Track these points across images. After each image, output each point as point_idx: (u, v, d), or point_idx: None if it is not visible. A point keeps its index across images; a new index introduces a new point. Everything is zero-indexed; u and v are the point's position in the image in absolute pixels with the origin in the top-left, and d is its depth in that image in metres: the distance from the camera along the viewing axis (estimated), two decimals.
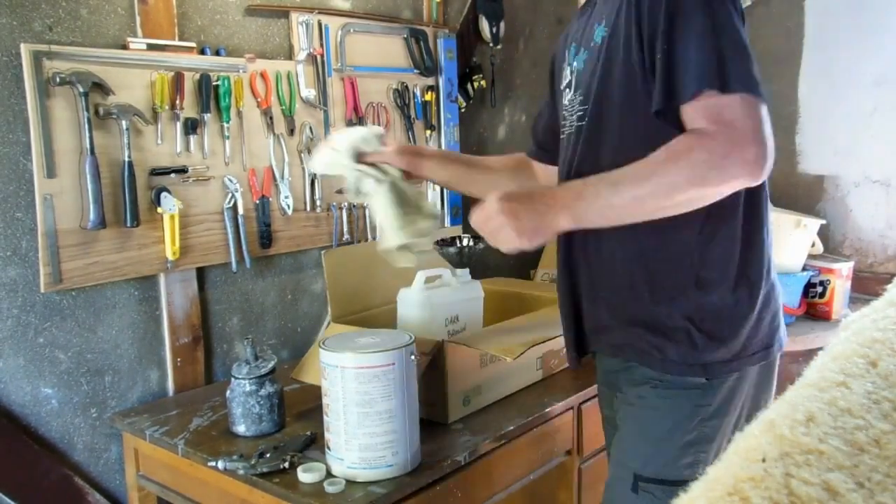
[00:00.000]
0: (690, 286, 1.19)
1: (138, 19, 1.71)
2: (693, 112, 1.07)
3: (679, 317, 1.19)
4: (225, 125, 1.83)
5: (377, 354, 1.28)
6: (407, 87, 2.27)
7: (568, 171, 1.29)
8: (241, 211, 1.86)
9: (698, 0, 1.10)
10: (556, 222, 1.12)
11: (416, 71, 2.29)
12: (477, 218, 1.16)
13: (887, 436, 0.48)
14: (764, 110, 1.06)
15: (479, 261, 2.10)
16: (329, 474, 1.33)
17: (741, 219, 1.20)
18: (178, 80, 1.73)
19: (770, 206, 1.27)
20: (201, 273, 1.88)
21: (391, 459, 1.31)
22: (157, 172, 1.72)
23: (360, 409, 1.27)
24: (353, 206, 2.14)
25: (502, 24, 2.54)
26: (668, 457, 1.20)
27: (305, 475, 1.33)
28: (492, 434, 1.52)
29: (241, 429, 1.53)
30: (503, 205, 1.11)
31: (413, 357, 1.33)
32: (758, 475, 0.44)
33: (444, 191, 2.38)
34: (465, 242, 2.00)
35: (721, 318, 1.19)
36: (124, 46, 1.68)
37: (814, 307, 2.22)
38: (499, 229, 1.12)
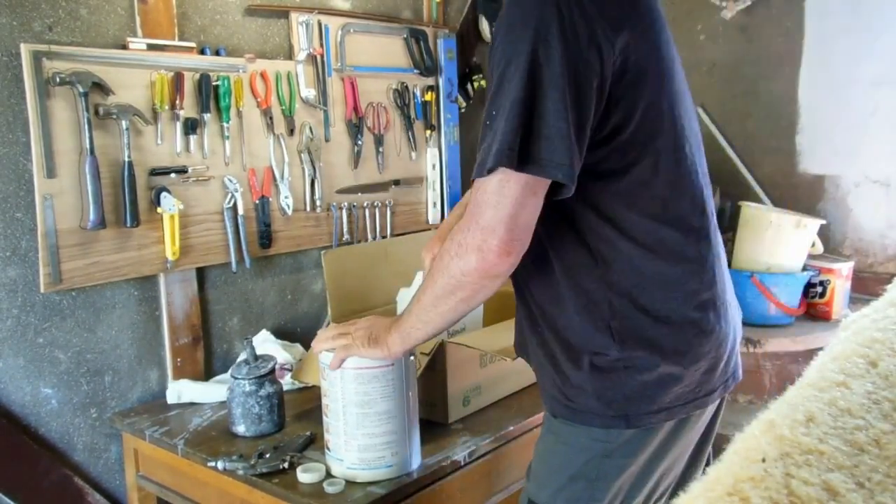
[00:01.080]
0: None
1: (138, 19, 1.71)
2: None
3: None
4: (225, 125, 1.83)
5: None
6: (407, 87, 2.27)
7: None
8: (241, 211, 1.86)
9: (499, 59, 1.00)
10: (389, 338, 1.19)
11: (416, 71, 2.29)
12: (327, 332, 1.27)
13: (887, 436, 0.48)
14: (521, 184, 0.96)
15: None
16: (328, 475, 1.33)
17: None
18: (177, 80, 1.73)
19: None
20: (201, 273, 1.88)
21: (391, 460, 1.30)
22: (157, 172, 1.72)
23: (360, 410, 1.27)
24: (354, 205, 2.14)
25: None
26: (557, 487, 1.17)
27: (305, 475, 1.33)
28: (492, 434, 1.52)
29: (240, 429, 1.53)
30: (355, 322, 1.27)
31: (412, 357, 1.32)
32: (758, 475, 0.44)
33: (444, 190, 2.39)
34: None
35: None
36: (124, 46, 1.68)
37: (814, 307, 2.22)
38: (350, 333, 1.24)
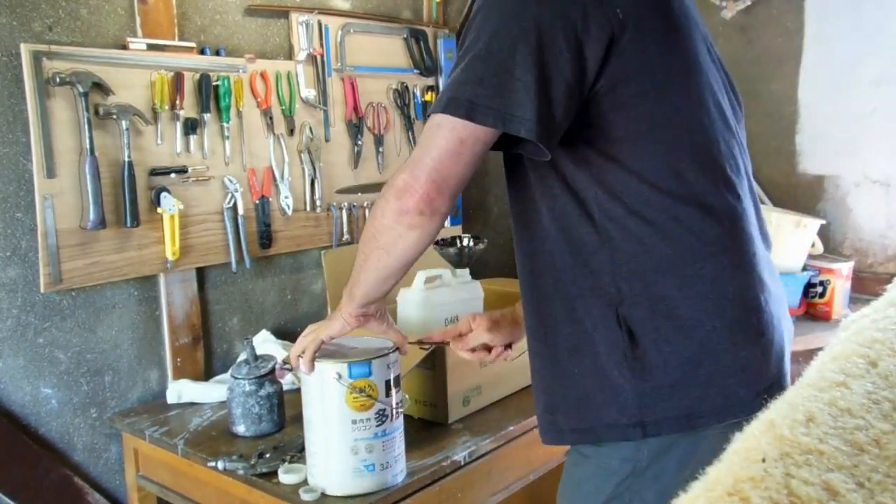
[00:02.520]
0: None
1: (138, 19, 1.71)
2: None
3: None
4: (225, 125, 1.83)
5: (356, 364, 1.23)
6: (407, 87, 2.27)
7: None
8: (241, 211, 1.86)
9: (474, 16, 0.98)
10: (340, 308, 1.18)
11: (416, 71, 2.29)
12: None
13: (887, 436, 0.48)
14: (445, 128, 0.94)
15: (479, 261, 2.10)
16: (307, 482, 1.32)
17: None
18: (177, 80, 1.73)
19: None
20: (201, 273, 1.88)
21: (371, 473, 1.27)
22: (157, 172, 1.72)
23: (331, 424, 1.24)
24: (354, 205, 2.14)
25: None
26: None
27: (286, 476, 1.33)
28: (492, 434, 1.52)
29: (240, 429, 1.53)
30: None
31: (396, 360, 1.29)
32: (758, 475, 0.44)
33: None
34: (465, 242, 2.00)
35: None
36: (124, 46, 1.68)
37: (814, 307, 2.22)
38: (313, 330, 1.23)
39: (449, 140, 0.95)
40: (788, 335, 1.11)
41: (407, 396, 1.34)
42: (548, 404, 1.13)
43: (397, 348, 1.29)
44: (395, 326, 1.27)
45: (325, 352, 1.25)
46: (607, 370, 1.02)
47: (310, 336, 1.23)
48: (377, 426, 1.25)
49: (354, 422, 1.24)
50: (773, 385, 1.03)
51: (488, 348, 1.32)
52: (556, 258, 1.06)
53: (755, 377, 1.02)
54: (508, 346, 1.33)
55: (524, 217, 1.10)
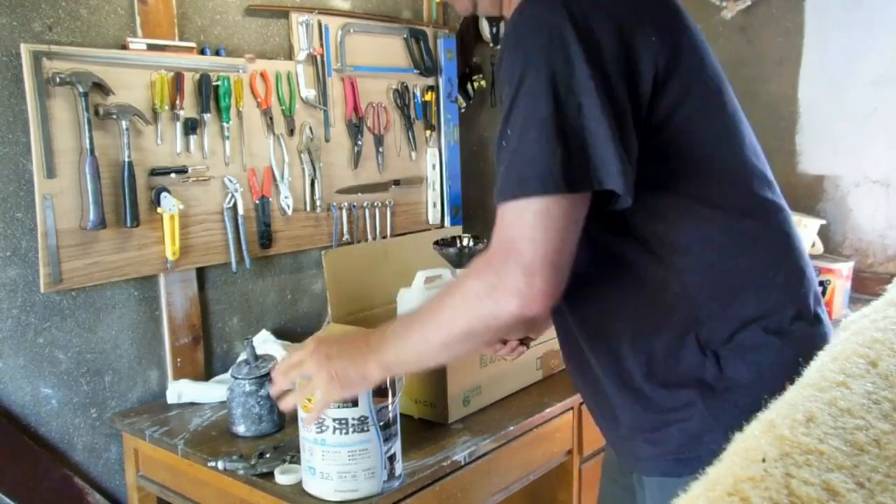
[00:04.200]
0: None
1: (138, 19, 1.71)
2: None
3: None
4: (225, 125, 1.83)
5: None
6: (407, 87, 2.27)
7: None
8: (241, 211, 1.86)
9: (510, 75, 0.89)
10: (366, 369, 1.03)
11: (416, 71, 2.29)
12: (284, 364, 1.09)
13: (887, 436, 0.48)
14: (565, 212, 0.85)
15: None
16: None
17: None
18: (177, 80, 1.73)
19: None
20: (201, 273, 1.88)
21: (368, 478, 1.26)
22: (157, 172, 1.72)
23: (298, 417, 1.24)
24: (354, 205, 2.14)
25: (502, 24, 2.54)
26: None
27: (283, 477, 1.33)
28: (492, 434, 1.52)
29: (240, 429, 1.53)
30: (317, 348, 1.05)
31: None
32: (758, 475, 0.44)
33: (444, 190, 2.38)
34: (465, 242, 2.00)
35: None
36: (124, 46, 1.68)
37: None
38: (311, 375, 1.05)
39: (561, 221, 0.87)
40: None
41: (366, 416, 1.22)
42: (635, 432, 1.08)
43: None
44: None
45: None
46: (694, 398, 0.99)
47: (324, 395, 1.08)
48: (317, 432, 1.23)
49: (303, 420, 1.25)
50: None
51: (503, 340, 1.28)
52: (622, 298, 1.01)
53: None
54: (523, 341, 1.30)
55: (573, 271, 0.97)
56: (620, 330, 1.02)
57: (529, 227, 0.86)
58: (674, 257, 0.97)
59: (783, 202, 1.06)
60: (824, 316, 1.07)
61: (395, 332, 1.02)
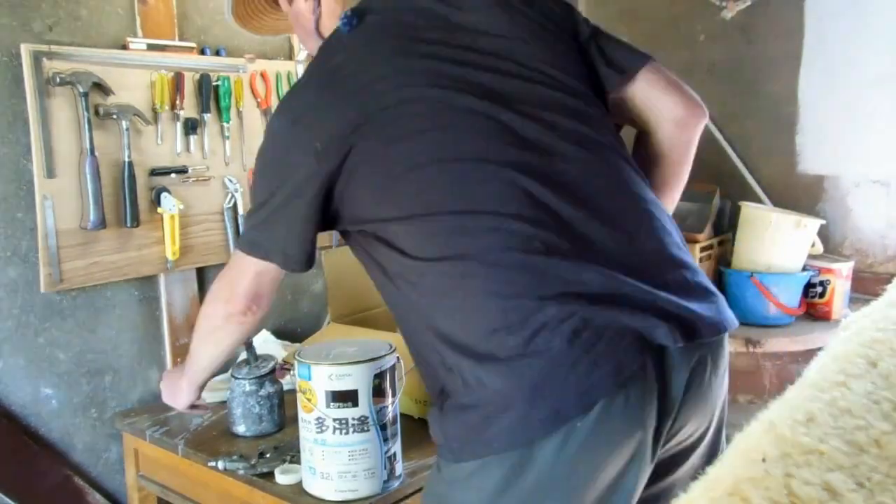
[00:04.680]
0: None
1: (138, 19, 1.71)
2: None
3: None
4: (225, 125, 1.83)
5: (351, 367, 1.22)
6: None
7: None
8: (241, 211, 1.86)
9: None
10: (180, 387, 1.37)
11: None
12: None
13: (887, 436, 0.48)
14: (250, 264, 1.12)
15: None
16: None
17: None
18: (178, 80, 1.73)
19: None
20: (201, 273, 1.88)
21: (368, 478, 1.26)
22: (157, 172, 1.72)
23: (325, 433, 1.23)
24: None
25: None
26: None
27: (283, 477, 1.33)
28: None
29: (241, 429, 1.53)
30: (164, 378, 1.46)
31: (397, 360, 1.28)
32: (758, 475, 0.44)
33: None
34: None
35: None
36: (124, 46, 1.68)
37: (814, 307, 2.21)
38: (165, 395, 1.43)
39: (248, 270, 1.15)
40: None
41: (366, 416, 1.23)
42: None
43: (381, 357, 1.25)
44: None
45: (312, 349, 1.27)
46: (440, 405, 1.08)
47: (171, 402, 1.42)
48: (317, 432, 1.23)
49: (303, 420, 1.25)
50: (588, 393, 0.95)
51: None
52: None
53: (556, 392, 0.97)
54: None
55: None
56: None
57: (235, 268, 1.17)
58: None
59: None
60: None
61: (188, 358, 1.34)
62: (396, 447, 1.30)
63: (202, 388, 1.37)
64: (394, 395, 1.27)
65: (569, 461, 0.92)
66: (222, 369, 1.37)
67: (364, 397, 1.22)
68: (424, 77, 1.02)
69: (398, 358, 1.29)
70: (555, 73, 1.07)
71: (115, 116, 1.62)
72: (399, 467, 1.32)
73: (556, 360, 0.92)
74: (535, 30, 1.10)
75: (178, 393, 1.37)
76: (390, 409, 1.26)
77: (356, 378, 1.21)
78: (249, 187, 1.43)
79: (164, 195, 1.71)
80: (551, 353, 0.92)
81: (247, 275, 1.13)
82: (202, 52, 1.81)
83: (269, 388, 1.53)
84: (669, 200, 1.23)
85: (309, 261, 1.11)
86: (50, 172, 1.55)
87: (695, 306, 0.98)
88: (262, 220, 1.08)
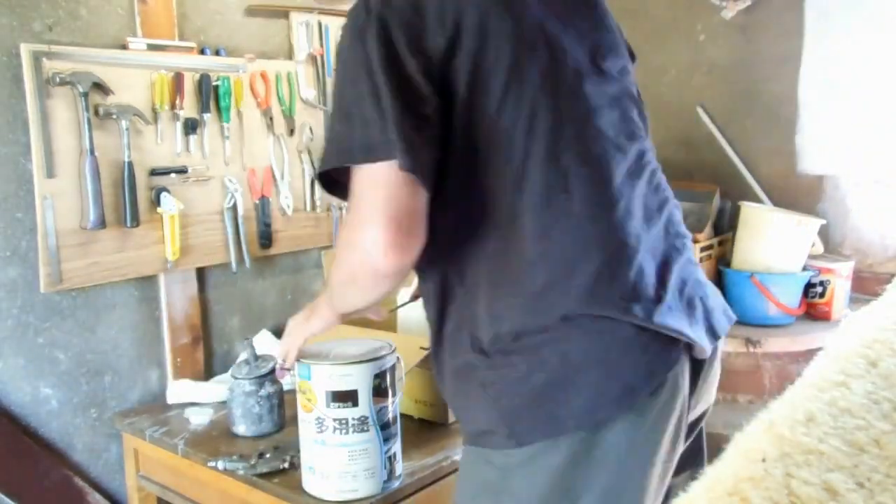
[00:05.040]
0: None
1: (138, 19, 1.71)
2: None
3: None
4: (225, 125, 1.83)
5: (350, 367, 1.21)
6: None
7: None
8: (241, 211, 1.86)
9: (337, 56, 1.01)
10: (321, 307, 1.19)
11: None
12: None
13: (887, 436, 0.48)
14: (386, 176, 0.92)
15: None
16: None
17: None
18: (178, 80, 1.73)
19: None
20: (201, 273, 1.88)
21: (368, 478, 1.26)
22: (157, 172, 1.72)
23: (325, 432, 1.23)
24: None
25: None
26: None
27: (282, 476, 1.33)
28: None
29: (240, 429, 1.53)
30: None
31: (398, 361, 1.28)
32: (758, 475, 0.44)
33: None
34: None
35: None
36: (124, 46, 1.68)
37: (814, 307, 2.21)
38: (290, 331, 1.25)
39: (383, 184, 0.94)
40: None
41: (366, 416, 1.24)
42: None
43: (381, 357, 1.25)
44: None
45: (312, 348, 1.26)
46: (474, 386, 1.03)
47: (293, 335, 1.24)
48: (317, 432, 1.23)
49: (303, 420, 1.25)
50: (651, 376, 0.98)
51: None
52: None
53: (618, 376, 0.99)
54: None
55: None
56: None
57: (360, 188, 0.96)
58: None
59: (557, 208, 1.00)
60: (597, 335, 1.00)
61: (328, 285, 1.17)
62: (396, 447, 1.30)
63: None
64: (394, 395, 1.27)
65: (642, 437, 0.96)
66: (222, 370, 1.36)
67: (364, 397, 1.22)
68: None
69: (398, 358, 1.29)
70: None
71: (114, 116, 1.62)
72: (399, 467, 1.31)
73: (634, 336, 0.96)
74: None
75: (313, 316, 1.21)
76: (390, 409, 1.26)
77: (356, 378, 1.21)
78: None
79: (164, 195, 1.71)
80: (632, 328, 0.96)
81: None
82: (202, 52, 1.81)
83: (268, 388, 1.53)
84: None
85: None
86: (50, 172, 1.55)
87: None
88: None
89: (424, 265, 1.03)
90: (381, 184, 0.92)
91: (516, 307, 0.98)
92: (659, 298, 0.98)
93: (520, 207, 0.97)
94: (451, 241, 1.01)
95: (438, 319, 1.06)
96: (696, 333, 1.01)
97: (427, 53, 0.94)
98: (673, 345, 0.98)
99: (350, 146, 0.94)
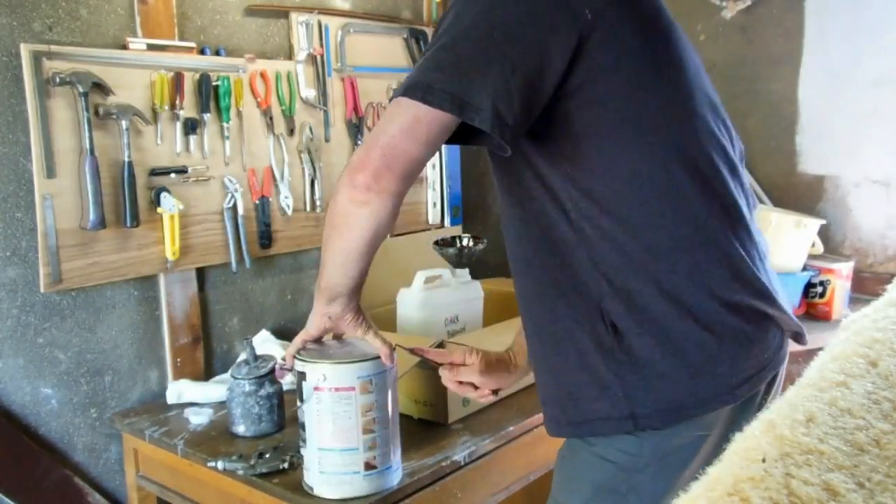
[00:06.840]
0: None
1: (138, 19, 1.71)
2: None
3: None
4: (225, 125, 1.83)
5: (347, 366, 1.21)
6: None
7: None
8: (240, 211, 1.86)
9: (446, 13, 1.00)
10: (317, 296, 1.16)
11: None
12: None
13: (887, 436, 0.48)
14: (411, 110, 0.94)
15: (479, 261, 2.10)
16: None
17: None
18: (177, 80, 1.73)
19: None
20: (201, 273, 1.88)
21: (367, 480, 1.26)
22: (156, 172, 1.72)
23: (325, 427, 1.22)
24: None
25: None
26: None
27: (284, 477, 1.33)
28: (492, 434, 1.52)
29: (240, 429, 1.53)
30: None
31: (392, 364, 1.27)
32: (758, 475, 0.44)
33: (444, 190, 2.38)
34: (465, 242, 2.00)
35: None
36: (124, 46, 1.68)
37: (814, 307, 2.22)
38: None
39: (404, 120, 0.95)
40: (787, 324, 1.12)
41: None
42: (545, 398, 1.16)
43: (377, 357, 1.23)
44: (378, 334, 1.22)
45: (312, 350, 1.26)
46: (594, 365, 1.03)
47: (294, 339, 1.25)
48: (316, 431, 1.23)
49: (302, 420, 1.26)
50: (764, 369, 1.07)
51: (475, 385, 1.31)
52: (539, 258, 1.08)
53: (741, 365, 1.04)
54: (495, 391, 1.33)
55: (510, 219, 1.12)
56: (536, 288, 1.14)
57: (387, 118, 0.97)
58: (582, 223, 1.04)
59: (724, 202, 1.06)
60: (750, 319, 1.06)
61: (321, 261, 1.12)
62: (396, 447, 1.30)
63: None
64: (393, 394, 1.27)
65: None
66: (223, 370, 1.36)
67: (361, 396, 1.21)
68: None
69: (395, 357, 1.29)
70: None
71: (114, 116, 1.62)
72: (399, 467, 1.31)
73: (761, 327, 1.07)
74: None
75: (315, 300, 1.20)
76: (390, 408, 1.26)
77: (355, 377, 1.21)
78: None
79: (163, 195, 1.71)
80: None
81: None
82: (202, 52, 1.81)
83: (268, 389, 1.53)
84: None
85: None
86: (50, 172, 1.55)
87: None
88: None
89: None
90: (428, 126, 0.95)
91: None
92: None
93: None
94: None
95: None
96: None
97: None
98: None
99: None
